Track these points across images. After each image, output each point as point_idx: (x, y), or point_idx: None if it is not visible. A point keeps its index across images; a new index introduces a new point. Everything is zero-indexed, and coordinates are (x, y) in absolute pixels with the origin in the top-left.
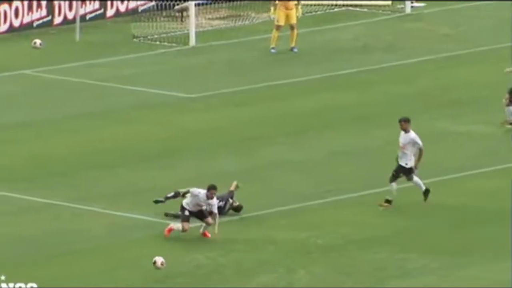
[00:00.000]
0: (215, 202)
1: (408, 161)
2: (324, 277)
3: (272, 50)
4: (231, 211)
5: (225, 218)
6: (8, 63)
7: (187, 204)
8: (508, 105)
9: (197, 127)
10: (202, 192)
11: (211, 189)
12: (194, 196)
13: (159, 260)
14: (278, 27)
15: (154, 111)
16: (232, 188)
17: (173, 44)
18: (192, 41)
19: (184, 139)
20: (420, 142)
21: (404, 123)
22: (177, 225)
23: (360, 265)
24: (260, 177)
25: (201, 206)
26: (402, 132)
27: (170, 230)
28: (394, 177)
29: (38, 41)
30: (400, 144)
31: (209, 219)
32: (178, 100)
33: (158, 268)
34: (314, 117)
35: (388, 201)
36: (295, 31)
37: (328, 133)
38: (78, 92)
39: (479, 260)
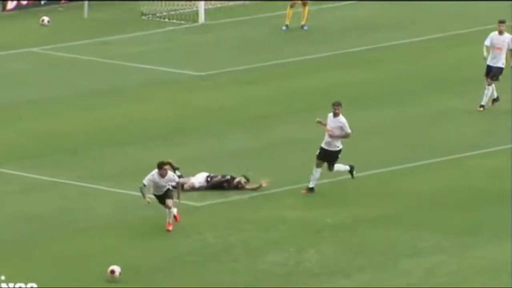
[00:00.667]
0: (171, 176)
1: (337, 146)
2: (334, 256)
3: (283, 28)
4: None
5: (234, 197)
6: (16, 41)
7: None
8: (490, 84)
9: (206, 105)
10: (154, 173)
11: (161, 166)
12: (152, 181)
13: (116, 270)
14: (293, 4)
15: (163, 89)
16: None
17: (182, 22)
18: (201, 18)
19: (193, 117)
20: (348, 128)
21: (338, 107)
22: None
23: (370, 243)
24: (270, 156)
25: (163, 186)
26: (331, 116)
27: (170, 224)
28: (330, 164)
29: (46, 19)
30: (328, 127)
31: (169, 202)
32: (187, 78)
33: (114, 277)
34: (324, 95)
35: (310, 189)
36: (307, 9)
37: None
38: (87, 70)
39: (489, 239)
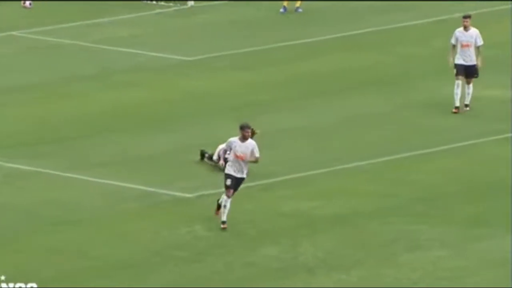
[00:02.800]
0: None
1: (246, 171)
2: (331, 250)
3: (281, 10)
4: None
5: None
6: None
7: None
8: (469, 82)
9: (196, 91)
10: None
11: None
12: None
13: None
14: None
15: (151, 75)
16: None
17: (170, 4)
18: (191, 0)
19: (183, 103)
20: (258, 151)
21: (250, 130)
22: None
23: (369, 236)
24: (264, 145)
25: None
26: (238, 140)
27: None
28: (235, 191)
29: (27, 1)
30: (241, 154)
31: None
32: (176, 63)
33: None
34: (323, 80)
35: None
36: None
37: (337, 97)
38: (72, 54)
39: (494, 232)
